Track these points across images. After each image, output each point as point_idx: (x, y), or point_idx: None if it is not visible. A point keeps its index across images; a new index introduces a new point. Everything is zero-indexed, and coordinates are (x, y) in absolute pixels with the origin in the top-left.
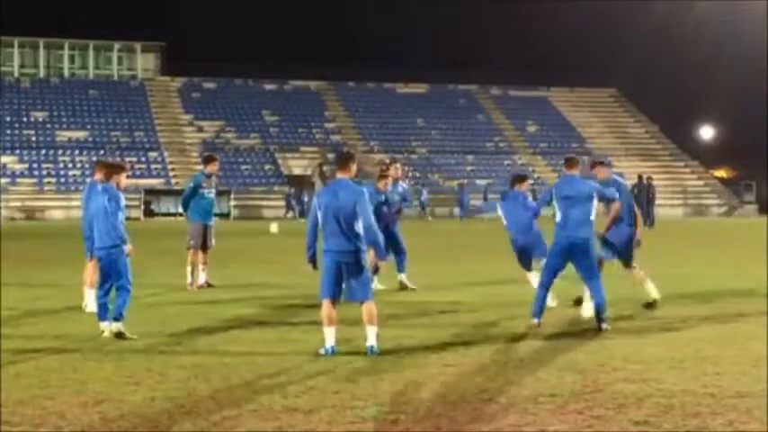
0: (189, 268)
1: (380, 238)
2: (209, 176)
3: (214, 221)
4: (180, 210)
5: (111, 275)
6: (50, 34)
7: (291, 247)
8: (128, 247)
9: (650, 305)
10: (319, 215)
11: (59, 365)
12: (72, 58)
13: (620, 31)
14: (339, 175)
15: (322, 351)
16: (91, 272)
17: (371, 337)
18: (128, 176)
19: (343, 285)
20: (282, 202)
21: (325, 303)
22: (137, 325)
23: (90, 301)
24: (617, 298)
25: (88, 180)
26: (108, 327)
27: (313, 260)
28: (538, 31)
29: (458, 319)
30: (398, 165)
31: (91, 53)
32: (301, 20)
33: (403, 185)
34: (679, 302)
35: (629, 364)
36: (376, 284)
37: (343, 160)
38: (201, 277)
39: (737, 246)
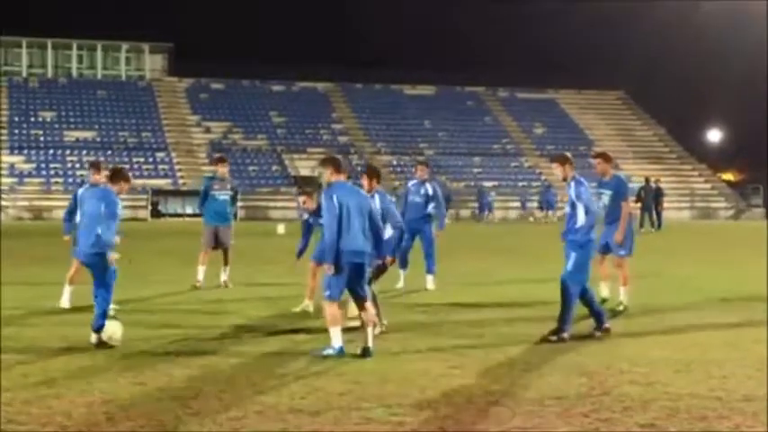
0: (199, 267)
1: (385, 238)
2: (220, 179)
3: (231, 222)
4: (188, 210)
5: None
6: (58, 34)
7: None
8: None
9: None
10: (339, 214)
11: (66, 365)
12: (80, 59)
13: (627, 33)
14: (339, 178)
15: (331, 351)
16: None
17: (371, 338)
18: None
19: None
20: (290, 203)
21: (334, 304)
22: (142, 325)
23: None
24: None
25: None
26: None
27: (338, 261)
28: (545, 34)
29: (463, 321)
30: (422, 166)
31: (99, 53)
32: (309, 21)
33: (428, 187)
34: (685, 305)
35: (636, 367)
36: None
37: (337, 164)
38: (222, 276)
39: (744, 249)
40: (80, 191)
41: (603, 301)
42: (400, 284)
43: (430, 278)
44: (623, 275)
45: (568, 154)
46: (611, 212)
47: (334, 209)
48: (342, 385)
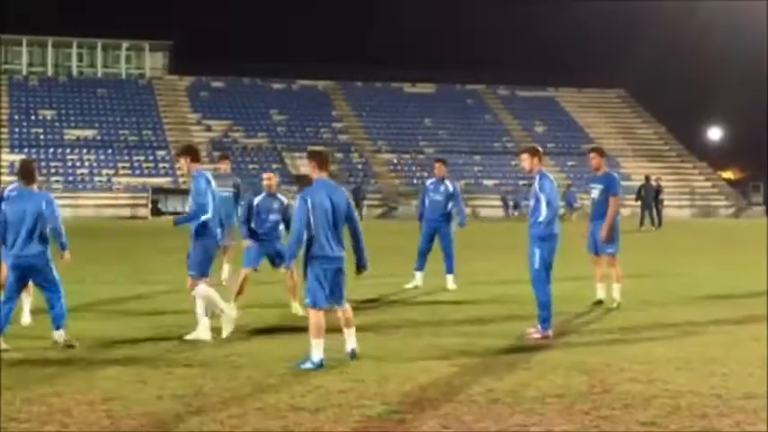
0: None
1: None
2: (221, 176)
3: (233, 221)
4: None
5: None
6: (59, 33)
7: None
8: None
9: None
10: (311, 218)
11: (67, 363)
12: (80, 57)
13: (628, 31)
14: (320, 175)
15: (310, 365)
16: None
17: (353, 339)
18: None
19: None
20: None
21: (317, 312)
22: (141, 323)
23: None
24: (624, 298)
25: (95, 179)
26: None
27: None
28: (545, 32)
29: (464, 319)
30: (440, 163)
31: (99, 52)
32: (309, 19)
33: (447, 184)
34: (686, 303)
35: (636, 365)
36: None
37: (324, 158)
38: (222, 274)
39: (744, 247)
40: None
41: (599, 302)
42: (413, 284)
43: (450, 278)
44: (616, 273)
45: (540, 147)
46: (599, 208)
47: (305, 212)
48: (342, 383)
